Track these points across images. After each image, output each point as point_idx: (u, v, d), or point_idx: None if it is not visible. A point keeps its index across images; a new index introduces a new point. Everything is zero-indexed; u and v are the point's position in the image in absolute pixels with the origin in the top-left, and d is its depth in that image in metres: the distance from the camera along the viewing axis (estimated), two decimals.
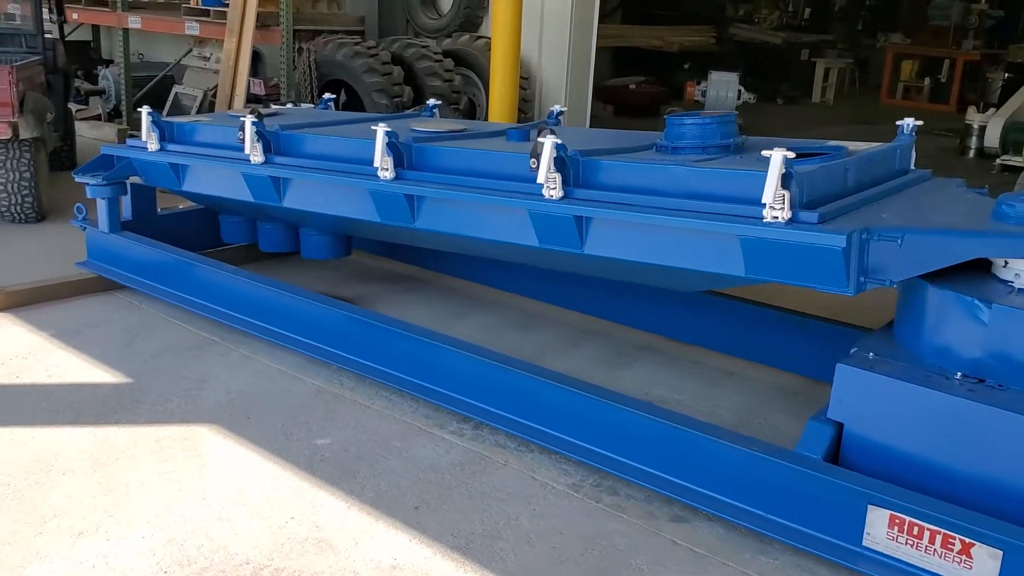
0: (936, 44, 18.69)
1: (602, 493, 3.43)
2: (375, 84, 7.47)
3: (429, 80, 7.82)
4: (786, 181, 2.96)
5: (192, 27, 8.96)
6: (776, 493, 3.02)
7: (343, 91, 8.25)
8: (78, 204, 5.43)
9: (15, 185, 6.44)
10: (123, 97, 10.11)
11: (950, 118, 17.14)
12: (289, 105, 7.38)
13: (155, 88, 10.48)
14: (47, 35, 7.70)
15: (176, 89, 9.72)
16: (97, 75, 11.08)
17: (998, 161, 11.22)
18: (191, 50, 10.22)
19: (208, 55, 9.57)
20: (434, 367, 4.00)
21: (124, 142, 9.54)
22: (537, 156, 3.58)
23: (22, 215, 6.56)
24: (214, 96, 9.36)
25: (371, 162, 4.08)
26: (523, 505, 3.34)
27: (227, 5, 8.50)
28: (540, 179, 3.47)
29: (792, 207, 2.98)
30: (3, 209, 6.52)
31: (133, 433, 3.74)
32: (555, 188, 3.48)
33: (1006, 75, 17.13)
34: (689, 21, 17.35)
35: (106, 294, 5.34)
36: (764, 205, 2.97)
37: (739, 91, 13.91)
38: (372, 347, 4.21)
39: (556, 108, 5.53)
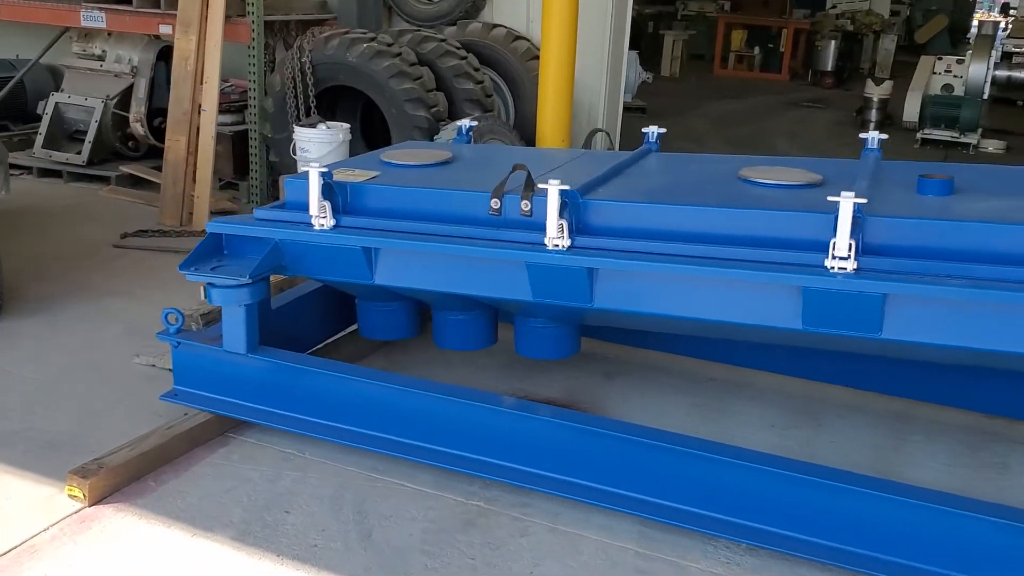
0: (767, 13, 18.99)
1: None
2: (408, 92, 5.83)
3: (459, 82, 6.25)
4: None
5: (94, 18, 6.75)
6: None
7: (328, 104, 6.50)
8: (168, 309, 3.60)
9: None
10: None
11: (789, 88, 17.48)
12: (323, 127, 5.65)
13: (4, 99, 8.02)
14: None
15: (56, 99, 7.37)
16: None
17: (919, 135, 11.26)
18: (56, 41, 7.82)
19: (101, 52, 7.31)
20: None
21: None
22: None
23: None
24: (119, 107, 7.21)
25: (800, 244, 2.83)
26: None
27: None
28: None
29: None
30: None
31: None
32: None
33: (838, 43, 17.56)
34: None
35: (229, 441, 3.58)
36: None
37: (638, 71, 13.17)
38: (776, 507, 2.93)
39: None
